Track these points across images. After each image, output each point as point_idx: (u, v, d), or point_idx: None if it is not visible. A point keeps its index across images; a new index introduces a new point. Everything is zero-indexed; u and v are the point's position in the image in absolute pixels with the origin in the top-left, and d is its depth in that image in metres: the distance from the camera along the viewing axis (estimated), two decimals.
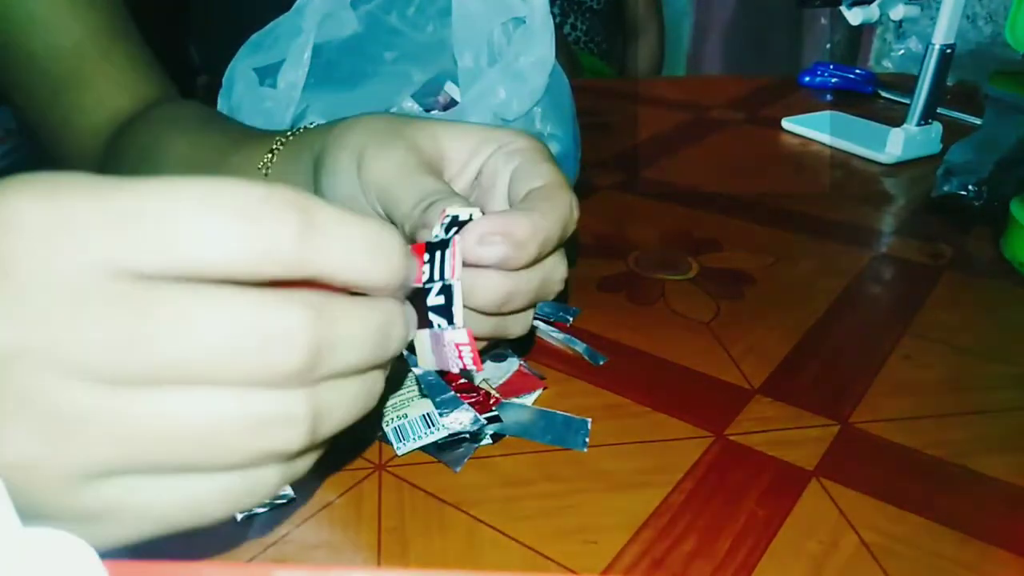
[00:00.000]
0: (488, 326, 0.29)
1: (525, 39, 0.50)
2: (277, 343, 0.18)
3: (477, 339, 0.28)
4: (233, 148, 0.40)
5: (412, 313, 0.24)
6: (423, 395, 0.36)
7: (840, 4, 0.71)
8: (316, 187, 0.35)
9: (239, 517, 0.30)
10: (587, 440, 0.34)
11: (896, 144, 0.70)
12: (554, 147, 0.55)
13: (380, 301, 0.22)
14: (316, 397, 0.20)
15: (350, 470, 0.33)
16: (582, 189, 0.60)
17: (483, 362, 0.27)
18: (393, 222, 0.31)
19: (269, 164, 0.38)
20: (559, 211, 0.29)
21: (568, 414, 0.36)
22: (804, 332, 0.43)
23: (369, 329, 0.21)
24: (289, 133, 0.39)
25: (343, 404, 0.21)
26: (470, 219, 0.27)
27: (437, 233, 0.27)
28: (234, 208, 0.18)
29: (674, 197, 0.62)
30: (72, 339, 0.17)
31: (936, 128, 0.71)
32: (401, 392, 0.36)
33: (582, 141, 0.58)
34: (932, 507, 0.31)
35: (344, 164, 0.33)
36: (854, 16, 0.70)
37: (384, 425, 0.34)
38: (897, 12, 0.70)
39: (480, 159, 0.33)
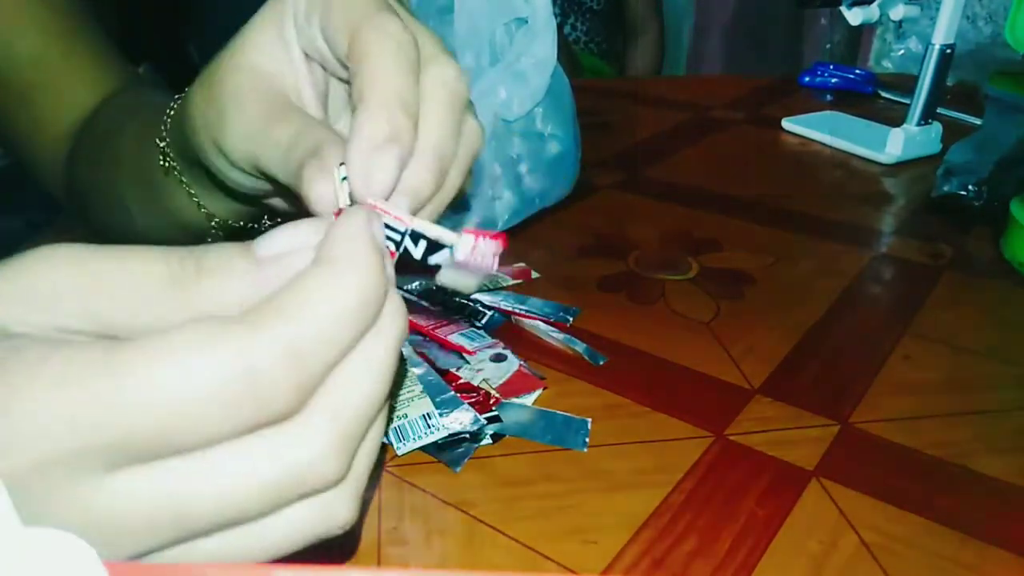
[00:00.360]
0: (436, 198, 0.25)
1: (527, 39, 0.50)
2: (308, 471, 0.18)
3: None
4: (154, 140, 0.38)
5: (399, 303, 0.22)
6: (423, 395, 0.36)
7: (840, 4, 0.71)
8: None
9: None
10: (587, 440, 0.34)
11: (896, 144, 0.70)
12: (554, 147, 0.55)
13: (372, 343, 0.20)
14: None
15: None
16: (583, 188, 0.60)
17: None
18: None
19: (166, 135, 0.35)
20: (388, 53, 0.23)
21: (568, 414, 0.36)
22: (804, 332, 0.43)
23: (375, 375, 0.20)
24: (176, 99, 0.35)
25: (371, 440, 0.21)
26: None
27: (345, 200, 0.23)
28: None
29: (674, 197, 0.62)
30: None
31: (936, 128, 0.71)
32: (401, 392, 0.36)
33: (582, 141, 0.58)
34: (932, 507, 0.31)
35: (219, 163, 0.29)
36: (854, 16, 0.70)
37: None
38: (897, 12, 0.70)
39: (294, 50, 0.27)
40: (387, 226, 0.22)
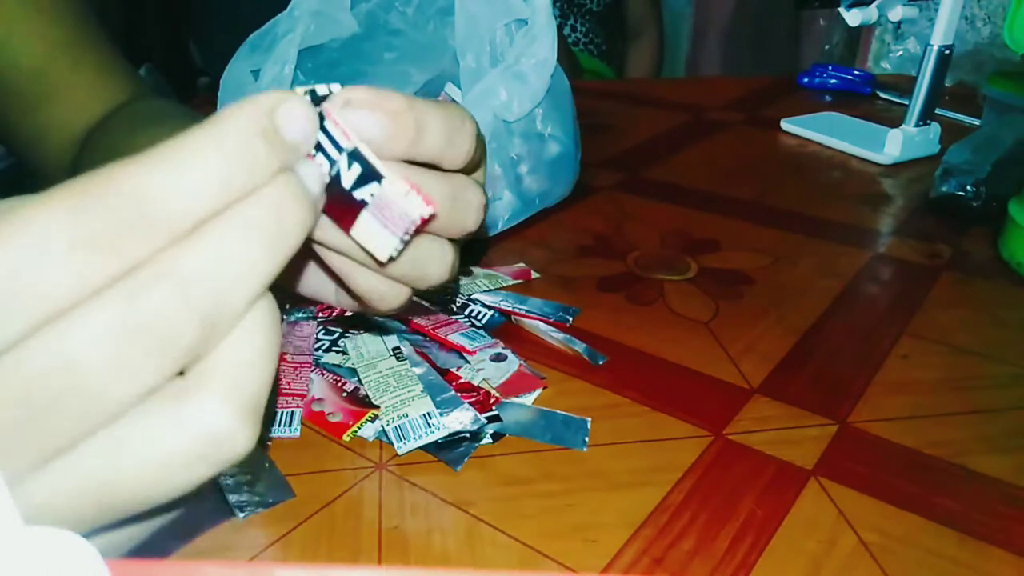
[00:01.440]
0: (400, 268, 0.25)
1: (527, 40, 0.50)
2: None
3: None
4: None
5: (309, 173, 0.20)
6: (423, 394, 0.36)
7: (838, 5, 0.71)
8: None
9: (241, 516, 0.30)
10: (587, 439, 0.35)
11: (895, 145, 0.70)
12: (554, 147, 0.55)
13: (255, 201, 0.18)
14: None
15: (351, 469, 0.33)
16: (582, 189, 0.60)
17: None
18: None
19: None
20: (442, 110, 0.23)
21: (568, 413, 0.36)
22: (803, 332, 0.43)
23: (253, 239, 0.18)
24: None
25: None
26: (330, 94, 0.22)
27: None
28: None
29: (673, 198, 0.62)
30: None
31: (934, 129, 0.71)
32: (401, 392, 0.36)
33: (582, 142, 0.59)
34: (930, 506, 0.31)
35: None
36: (853, 17, 0.70)
37: (384, 424, 0.34)
38: (896, 13, 0.70)
39: None
40: (328, 136, 0.21)
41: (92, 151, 0.45)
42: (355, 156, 0.21)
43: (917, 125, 0.70)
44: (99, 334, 0.16)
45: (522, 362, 0.39)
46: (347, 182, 0.22)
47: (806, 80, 0.96)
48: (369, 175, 0.22)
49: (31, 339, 0.16)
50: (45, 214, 0.16)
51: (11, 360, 0.16)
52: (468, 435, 0.34)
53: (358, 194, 0.22)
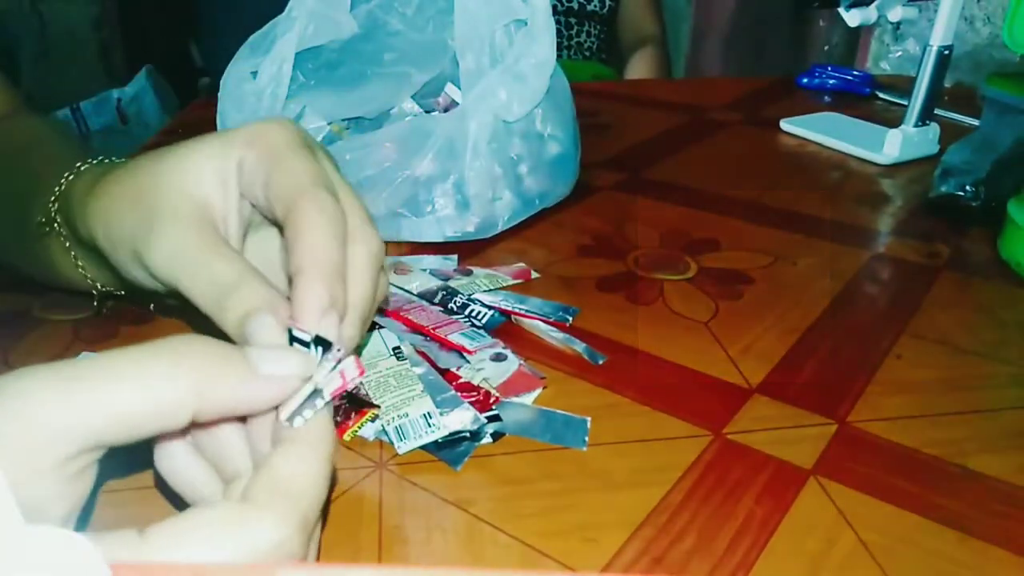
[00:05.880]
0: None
1: (526, 41, 0.50)
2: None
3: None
4: (43, 186, 0.38)
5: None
6: (423, 394, 0.36)
7: (838, 6, 0.71)
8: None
9: None
10: (586, 439, 0.35)
11: (894, 145, 0.70)
12: (554, 148, 0.55)
13: None
14: None
15: (351, 469, 0.33)
16: (582, 189, 0.61)
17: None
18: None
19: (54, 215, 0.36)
20: (322, 228, 0.27)
21: (567, 413, 0.36)
22: (802, 332, 0.44)
23: None
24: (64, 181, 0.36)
25: None
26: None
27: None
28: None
29: (673, 198, 0.62)
30: None
31: (934, 129, 0.71)
32: (401, 391, 0.36)
33: (582, 142, 0.59)
34: (930, 506, 0.31)
35: (129, 265, 0.30)
36: (852, 18, 0.70)
37: (385, 424, 0.34)
38: (895, 14, 0.70)
39: (231, 190, 0.30)
40: (295, 336, 0.25)
41: None
42: (318, 341, 0.26)
43: (916, 125, 0.70)
44: None
45: (522, 362, 0.39)
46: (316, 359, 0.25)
47: (805, 80, 0.96)
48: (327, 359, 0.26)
49: None
50: None
51: None
52: (468, 435, 0.34)
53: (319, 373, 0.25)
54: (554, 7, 1.41)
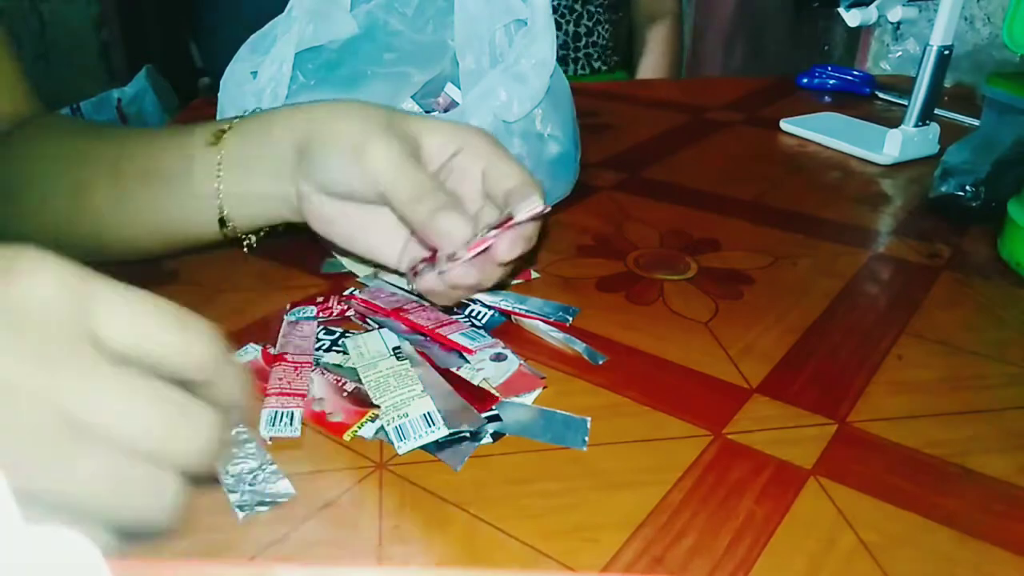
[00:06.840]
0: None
1: (526, 41, 0.50)
2: None
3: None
4: (152, 140, 0.44)
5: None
6: (423, 394, 0.36)
7: (838, 6, 0.71)
8: (302, 171, 0.39)
9: (241, 516, 0.30)
10: (586, 439, 0.35)
11: (894, 145, 0.70)
12: (554, 148, 0.55)
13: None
14: None
15: (351, 469, 0.33)
16: (582, 189, 0.60)
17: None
18: (392, 206, 0.37)
19: (221, 145, 0.41)
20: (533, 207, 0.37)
21: (568, 413, 0.36)
22: (802, 332, 0.44)
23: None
24: (237, 117, 0.42)
25: None
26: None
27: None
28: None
29: (673, 198, 0.62)
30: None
31: (934, 129, 0.71)
32: (401, 391, 0.36)
33: (582, 141, 0.59)
34: (930, 506, 0.31)
35: (340, 152, 0.38)
36: (852, 18, 0.70)
37: (385, 424, 0.34)
38: (895, 14, 0.70)
39: (447, 153, 0.40)
40: None
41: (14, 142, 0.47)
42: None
43: (916, 125, 0.70)
44: None
45: (522, 362, 0.39)
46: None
47: (805, 80, 0.96)
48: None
49: None
50: None
51: None
52: (468, 435, 0.34)
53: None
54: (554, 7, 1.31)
